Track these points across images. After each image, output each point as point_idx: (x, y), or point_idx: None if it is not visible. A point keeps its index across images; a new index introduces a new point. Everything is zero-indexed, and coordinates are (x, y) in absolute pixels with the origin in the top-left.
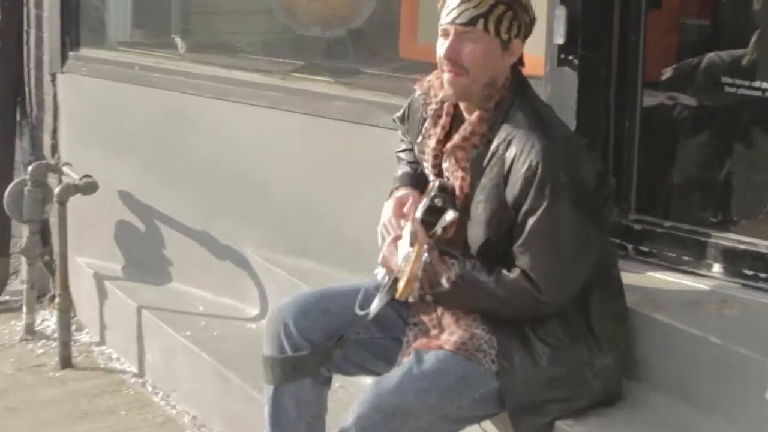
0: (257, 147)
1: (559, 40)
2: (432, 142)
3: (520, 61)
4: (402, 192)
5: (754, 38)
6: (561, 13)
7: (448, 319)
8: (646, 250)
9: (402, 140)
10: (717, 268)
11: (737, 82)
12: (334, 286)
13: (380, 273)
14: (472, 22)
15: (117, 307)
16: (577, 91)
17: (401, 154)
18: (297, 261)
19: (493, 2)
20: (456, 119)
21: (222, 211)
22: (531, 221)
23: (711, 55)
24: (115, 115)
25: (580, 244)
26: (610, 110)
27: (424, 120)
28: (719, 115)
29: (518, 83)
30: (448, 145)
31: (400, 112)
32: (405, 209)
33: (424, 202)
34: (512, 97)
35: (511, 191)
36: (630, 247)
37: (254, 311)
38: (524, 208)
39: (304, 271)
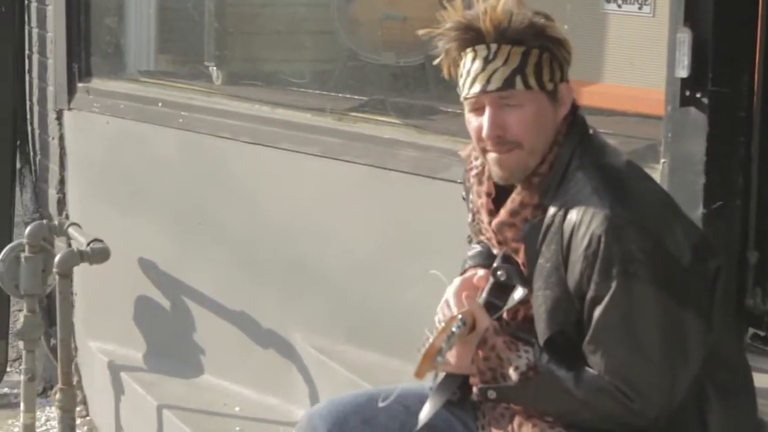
0: (308, 206)
1: (682, 72)
2: (483, 216)
3: (574, 105)
4: (467, 273)
5: None
6: (684, 37)
7: (518, 423)
8: None
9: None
10: None
11: None
12: (385, 387)
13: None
14: (509, 85)
15: (135, 405)
16: (707, 139)
17: (470, 245)
18: (359, 352)
19: (524, 49)
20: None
21: (265, 288)
22: (598, 311)
23: None
24: (134, 164)
25: (672, 337)
26: (753, 162)
27: (470, 190)
28: None
29: (576, 133)
30: (494, 222)
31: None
32: (475, 281)
33: (489, 280)
34: (570, 153)
35: (572, 275)
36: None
37: (302, 412)
38: (588, 296)
39: (367, 365)
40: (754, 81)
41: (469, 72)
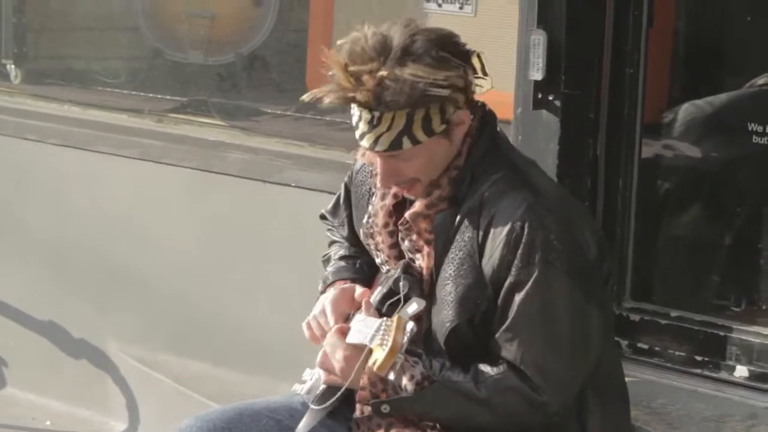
0: (126, 211)
1: (537, 75)
2: (381, 220)
3: (480, 106)
4: (346, 284)
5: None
6: (539, 39)
7: None
8: (645, 347)
9: (331, 238)
10: (741, 371)
11: (758, 128)
12: (249, 402)
13: (308, 380)
14: (396, 147)
15: None
16: (559, 142)
17: (331, 252)
18: (183, 362)
19: (409, 109)
20: None
21: (76, 296)
22: (518, 298)
23: (734, 93)
24: None
25: (580, 330)
26: (600, 165)
27: (371, 194)
28: (744, 170)
29: (488, 129)
30: (408, 213)
31: (331, 203)
32: (357, 296)
33: (379, 290)
34: (483, 149)
35: (490, 261)
36: (624, 343)
37: (121, 426)
38: (508, 281)
39: (193, 375)
40: (601, 82)
41: (357, 126)
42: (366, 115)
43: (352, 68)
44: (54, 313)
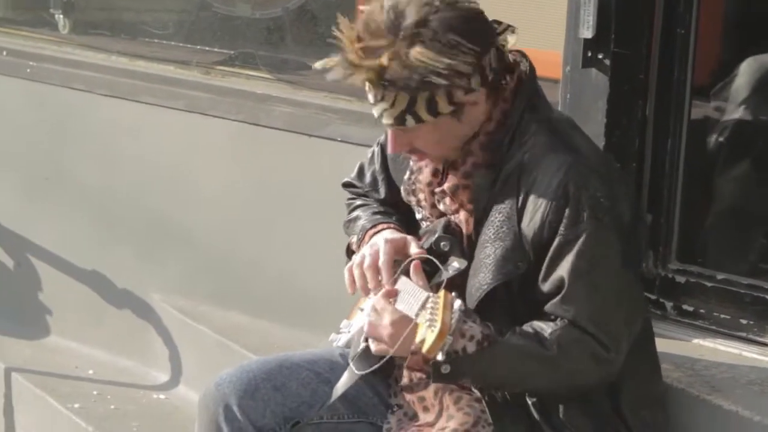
0: (170, 163)
1: (587, 33)
2: (425, 177)
3: (515, 65)
4: (394, 235)
5: None
6: None
7: (446, 399)
8: (691, 309)
9: (354, 204)
10: None
11: None
12: (290, 353)
13: (345, 331)
14: (400, 122)
15: None
16: (607, 101)
17: (358, 212)
18: (224, 314)
19: (413, 91)
20: None
21: (120, 246)
22: (568, 259)
23: None
24: None
25: (630, 286)
26: (648, 127)
27: None
28: None
29: (525, 92)
30: (446, 185)
31: (355, 170)
32: (413, 254)
33: (420, 244)
34: (520, 111)
35: (531, 224)
36: (669, 305)
37: (163, 376)
38: (556, 242)
39: (234, 327)
40: (653, 42)
41: (368, 95)
42: (371, 91)
43: (360, 44)
44: (98, 263)
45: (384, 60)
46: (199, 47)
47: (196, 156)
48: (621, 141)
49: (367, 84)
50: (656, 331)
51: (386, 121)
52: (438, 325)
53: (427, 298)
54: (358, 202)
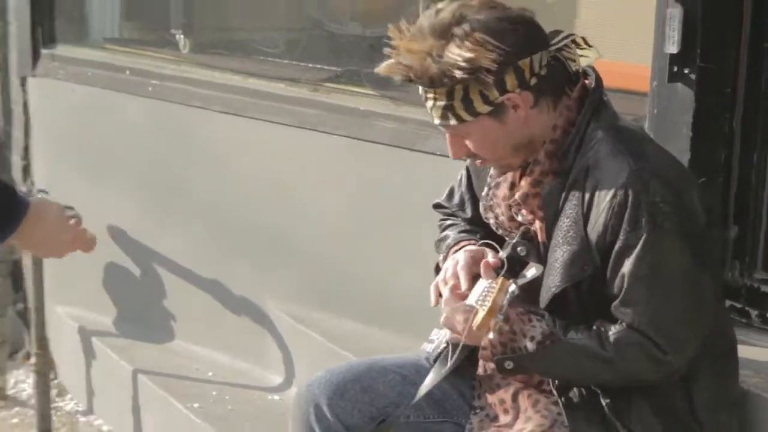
0: (282, 176)
1: (672, 48)
2: (502, 191)
3: (576, 80)
4: (474, 247)
5: None
6: (675, 12)
7: (523, 401)
8: None
9: (445, 224)
10: None
11: None
12: (379, 357)
13: (435, 340)
14: (445, 120)
15: (108, 369)
16: (693, 115)
17: (447, 231)
18: (335, 321)
19: (447, 89)
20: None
21: (238, 255)
22: (629, 262)
23: None
24: (102, 132)
25: (692, 291)
26: (735, 141)
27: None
28: None
29: (591, 100)
30: (517, 194)
31: (446, 192)
32: (491, 261)
33: (504, 252)
34: (587, 118)
35: (594, 228)
36: (754, 313)
37: (278, 379)
38: (617, 246)
39: (344, 333)
40: (740, 57)
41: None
42: (420, 90)
43: (408, 45)
44: (217, 272)
45: (424, 59)
46: (308, 65)
47: (305, 170)
48: (707, 154)
49: (419, 86)
50: (740, 338)
51: (435, 120)
52: (488, 304)
53: (488, 284)
54: (448, 222)
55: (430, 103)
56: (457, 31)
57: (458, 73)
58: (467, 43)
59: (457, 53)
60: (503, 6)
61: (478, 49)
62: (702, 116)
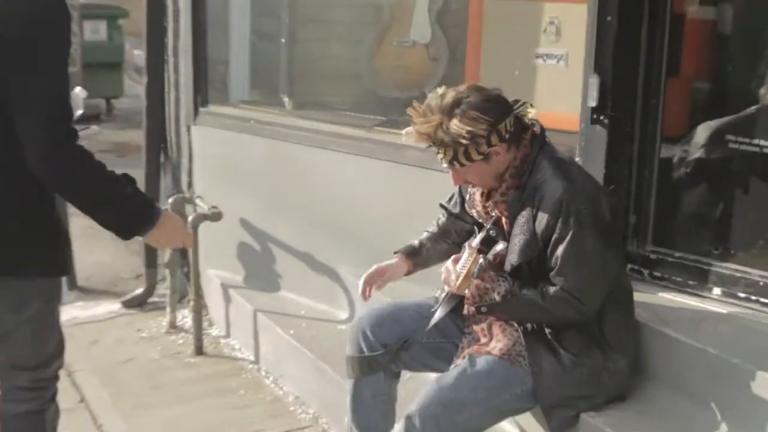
0: (349, 186)
1: (592, 103)
2: (477, 197)
3: (521, 129)
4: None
5: (752, 109)
6: (594, 81)
7: (496, 330)
8: (659, 275)
9: (442, 219)
10: (716, 291)
11: (739, 139)
12: (404, 300)
13: (441, 292)
14: (451, 165)
15: (238, 309)
16: (606, 146)
17: (422, 237)
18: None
19: (451, 145)
20: None
21: (320, 237)
22: (561, 248)
23: (718, 120)
24: (236, 159)
25: (602, 263)
26: (633, 162)
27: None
28: (722, 165)
29: (539, 141)
30: (491, 201)
31: (448, 197)
32: (469, 243)
33: (482, 234)
34: (536, 153)
35: (540, 225)
36: (646, 272)
37: (344, 315)
38: (554, 237)
39: (388, 287)
40: (636, 109)
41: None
42: (432, 146)
43: (422, 119)
44: (308, 248)
45: (434, 129)
46: (364, 115)
47: (362, 182)
48: (616, 171)
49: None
50: (636, 289)
51: (444, 164)
52: (465, 272)
53: (467, 256)
54: (441, 219)
55: (440, 155)
56: (457, 111)
57: (462, 141)
58: (465, 119)
59: (459, 126)
60: (482, 87)
61: (473, 123)
62: (612, 147)
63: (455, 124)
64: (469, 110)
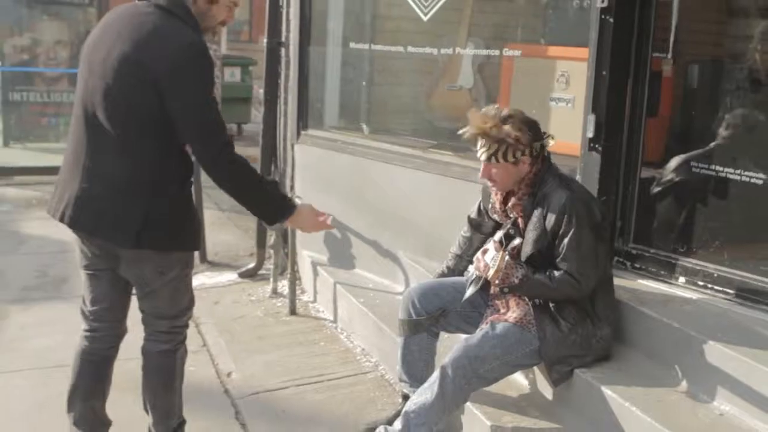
0: (408, 192)
1: (590, 135)
2: (497, 202)
3: (542, 153)
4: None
5: (712, 144)
6: (591, 118)
7: (512, 303)
8: (638, 266)
9: (468, 227)
10: (681, 279)
11: (701, 166)
12: (444, 279)
13: (472, 272)
14: (488, 159)
15: (323, 281)
16: (600, 167)
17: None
18: (427, 261)
19: (497, 143)
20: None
21: (385, 229)
22: (565, 240)
23: (686, 152)
24: (328, 170)
25: (595, 255)
26: (620, 180)
27: (490, 194)
28: (687, 185)
29: (547, 162)
30: (510, 203)
31: (474, 207)
32: (494, 240)
33: (502, 231)
34: (545, 171)
35: (549, 223)
36: (628, 264)
37: (400, 288)
38: (560, 232)
39: (431, 267)
40: (623, 140)
41: (478, 146)
42: (480, 141)
43: (480, 120)
44: (376, 236)
45: (489, 128)
46: (422, 140)
47: (418, 190)
48: (607, 187)
49: (479, 138)
50: (620, 276)
51: (483, 157)
52: (495, 266)
53: (496, 254)
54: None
55: (483, 149)
56: (509, 120)
57: (508, 140)
58: (515, 127)
59: (510, 130)
60: (525, 113)
61: (520, 132)
62: (604, 168)
63: (507, 128)
64: (519, 123)
